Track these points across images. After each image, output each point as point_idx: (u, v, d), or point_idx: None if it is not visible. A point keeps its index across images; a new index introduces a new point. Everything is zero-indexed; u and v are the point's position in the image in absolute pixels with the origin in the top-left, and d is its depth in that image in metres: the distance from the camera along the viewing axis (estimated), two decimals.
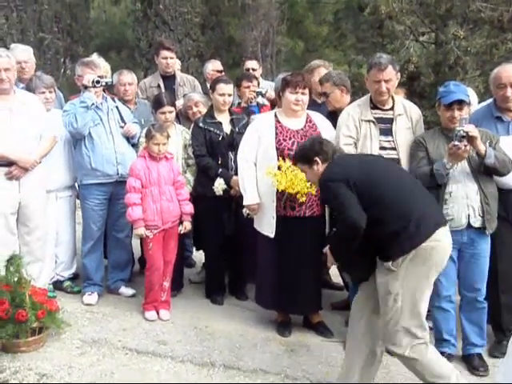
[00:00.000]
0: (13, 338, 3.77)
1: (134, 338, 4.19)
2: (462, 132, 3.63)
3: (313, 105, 4.79)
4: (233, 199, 4.73)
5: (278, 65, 15.40)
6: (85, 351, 3.95)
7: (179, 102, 5.49)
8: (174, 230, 4.60)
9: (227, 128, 4.88)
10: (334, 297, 5.06)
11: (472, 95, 4.56)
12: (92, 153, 4.74)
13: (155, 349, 4.03)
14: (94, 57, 5.65)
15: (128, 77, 5.37)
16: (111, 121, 4.84)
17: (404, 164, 3.98)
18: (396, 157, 4.00)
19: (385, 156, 3.97)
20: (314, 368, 3.77)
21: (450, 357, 3.95)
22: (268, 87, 5.69)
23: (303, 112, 4.43)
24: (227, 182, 4.71)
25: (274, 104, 5.31)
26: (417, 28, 12.62)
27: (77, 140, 4.80)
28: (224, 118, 4.91)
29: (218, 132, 4.82)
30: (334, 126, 4.32)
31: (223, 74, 6.00)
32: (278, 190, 4.12)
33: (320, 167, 3.40)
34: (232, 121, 4.93)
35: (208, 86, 5.56)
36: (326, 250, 3.43)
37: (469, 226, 3.84)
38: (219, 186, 4.69)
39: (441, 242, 3.15)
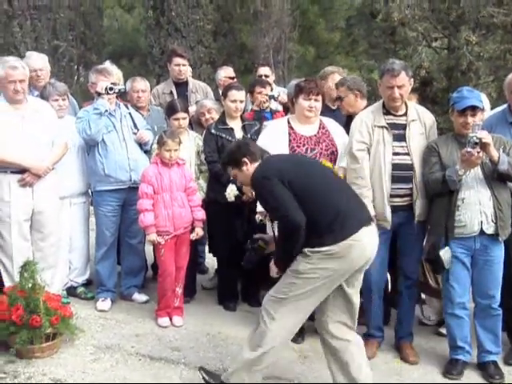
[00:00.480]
0: (27, 344, 3.79)
1: (147, 344, 4.20)
2: (474, 138, 3.61)
3: (326, 111, 4.79)
4: (245, 205, 4.74)
5: (289, 71, 15.44)
6: (98, 357, 3.97)
7: (192, 109, 5.51)
8: (185, 236, 4.61)
9: (239, 134, 4.89)
10: None
11: (484, 101, 4.54)
12: (105, 159, 4.77)
13: (168, 355, 4.04)
14: (107, 64, 5.70)
15: (141, 84, 5.40)
16: (124, 127, 4.87)
17: (417, 169, 3.97)
18: (410, 162, 3.98)
19: (398, 161, 3.96)
20: (327, 375, 3.74)
21: (464, 364, 3.93)
22: (281, 92, 5.70)
23: (316, 118, 4.44)
24: (239, 188, 4.71)
25: (287, 108, 5.32)
26: (429, 34, 12.60)
27: (90, 146, 4.84)
28: (236, 125, 4.93)
29: (229, 138, 4.82)
30: None
31: (235, 80, 6.02)
32: None
33: (249, 167, 3.42)
34: (244, 127, 4.94)
35: (220, 92, 5.58)
36: (271, 264, 3.48)
37: (481, 232, 3.79)
38: (231, 192, 4.68)
39: (360, 242, 3.16)
